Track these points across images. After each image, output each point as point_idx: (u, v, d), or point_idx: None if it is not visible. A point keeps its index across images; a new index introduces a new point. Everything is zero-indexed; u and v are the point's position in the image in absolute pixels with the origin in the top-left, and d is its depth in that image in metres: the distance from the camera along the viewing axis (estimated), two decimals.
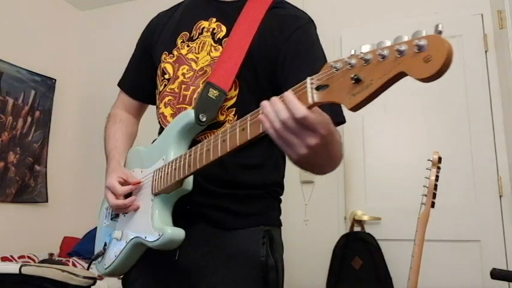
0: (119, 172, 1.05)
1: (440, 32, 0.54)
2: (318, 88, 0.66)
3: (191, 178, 0.96)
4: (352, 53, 0.62)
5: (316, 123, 0.68)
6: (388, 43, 0.58)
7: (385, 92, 0.60)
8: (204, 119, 0.97)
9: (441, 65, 0.52)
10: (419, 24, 2.76)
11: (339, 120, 0.93)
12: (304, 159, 0.72)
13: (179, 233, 0.93)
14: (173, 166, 0.94)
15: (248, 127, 0.76)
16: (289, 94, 0.69)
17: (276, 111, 0.69)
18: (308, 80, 0.68)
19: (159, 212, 0.97)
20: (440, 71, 0.52)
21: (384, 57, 0.57)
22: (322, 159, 0.76)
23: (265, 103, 0.71)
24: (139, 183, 1.03)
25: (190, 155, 0.90)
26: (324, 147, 0.71)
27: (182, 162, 0.91)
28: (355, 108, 0.61)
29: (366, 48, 0.60)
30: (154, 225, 0.95)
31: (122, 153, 1.14)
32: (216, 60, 1.03)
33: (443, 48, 0.52)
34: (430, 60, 0.53)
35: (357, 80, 0.60)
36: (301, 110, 0.66)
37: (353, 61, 0.61)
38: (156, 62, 1.14)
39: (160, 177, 0.97)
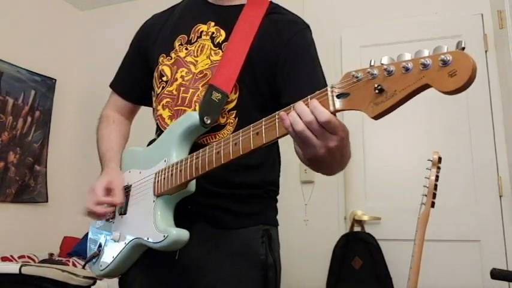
0: (112, 178, 1.06)
1: (463, 49, 0.57)
2: (338, 96, 0.69)
3: (194, 179, 0.96)
4: (372, 63, 0.65)
5: (338, 126, 0.71)
6: (409, 56, 0.61)
7: None
8: (209, 122, 0.98)
9: (466, 80, 0.55)
10: (419, 25, 2.75)
11: None
12: (320, 159, 0.75)
13: (184, 234, 0.93)
14: (178, 168, 0.94)
15: (263, 131, 0.78)
16: (313, 100, 0.72)
17: (299, 113, 0.72)
18: (329, 88, 0.70)
19: (161, 214, 0.97)
20: (466, 85, 0.56)
21: (407, 69, 0.60)
22: (336, 159, 0.79)
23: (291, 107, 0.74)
24: (116, 205, 1.04)
25: (197, 157, 0.90)
26: (340, 148, 0.74)
27: (189, 164, 0.92)
28: (378, 117, 0.64)
29: (386, 60, 0.63)
30: (157, 226, 0.94)
31: (116, 154, 1.15)
32: (217, 64, 1.04)
33: (469, 64, 0.55)
34: (455, 75, 0.56)
35: (380, 90, 0.63)
36: (325, 114, 0.69)
37: (375, 71, 0.64)
38: (153, 64, 1.15)
39: (164, 178, 0.97)
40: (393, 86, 0.62)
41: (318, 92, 0.72)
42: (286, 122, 0.73)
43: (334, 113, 0.70)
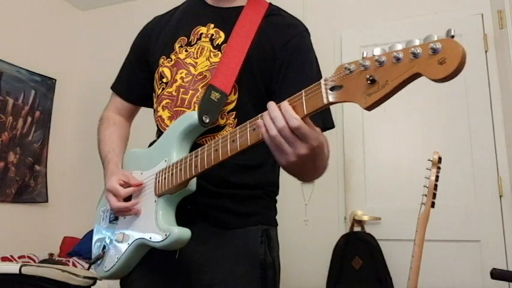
0: (119, 175, 1.06)
1: (452, 36, 0.57)
2: (331, 89, 0.69)
3: (195, 178, 0.97)
4: (364, 55, 0.65)
5: (309, 134, 0.72)
6: (400, 46, 0.62)
7: None
8: (208, 121, 0.98)
9: (456, 67, 0.56)
10: (419, 24, 2.75)
11: (329, 126, 1.00)
12: (292, 166, 0.77)
13: (186, 233, 0.94)
14: (178, 167, 0.95)
15: None
16: (285, 103, 0.74)
17: (273, 118, 0.74)
18: (322, 81, 0.71)
19: (163, 213, 0.97)
20: (455, 72, 0.56)
21: (398, 59, 0.61)
22: (308, 168, 0.81)
23: (265, 112, 0.76)
24: (141, 184, 1.03)
25: (196, 156, 0.91)
26: (312, 157, 0.76)
27: (188, 163, 0.92)
28: (370, 107, 0.65)
29: (377, 51, 0.64)
30: (159, 225, 0.95)
31: (118, 155, 1.15)
32: (216, 66, 1.05)
33: (458, 51, 0.56)
34: (444, 62, 0.56)
35: (372, 81, 0.63)
36: (295, 120, 0.71)
37: (367, 63, 0.64)
38: (153, 66, 1.16)
39: (165, 178, 0.97)
40: (385, 76, 0.62)
41: (311, 85, 0.72)
42: (262, 129, 0.75)
43: (327, 105, 0.70)
